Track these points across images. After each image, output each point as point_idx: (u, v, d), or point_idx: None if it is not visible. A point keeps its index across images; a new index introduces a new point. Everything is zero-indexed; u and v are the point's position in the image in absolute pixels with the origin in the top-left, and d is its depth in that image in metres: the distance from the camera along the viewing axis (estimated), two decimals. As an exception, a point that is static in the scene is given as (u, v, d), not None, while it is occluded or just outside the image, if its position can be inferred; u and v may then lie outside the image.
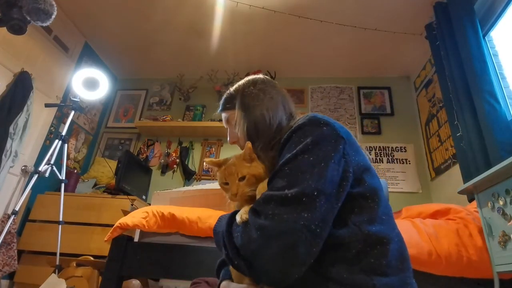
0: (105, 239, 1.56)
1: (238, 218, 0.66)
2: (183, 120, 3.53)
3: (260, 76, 0.93)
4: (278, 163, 0.68)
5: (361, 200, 0.64)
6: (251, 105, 0.83)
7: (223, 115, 0.93)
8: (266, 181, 0.70)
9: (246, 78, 0.92)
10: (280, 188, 0.61)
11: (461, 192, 1.46)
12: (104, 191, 2.93)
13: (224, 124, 0.94)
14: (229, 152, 3.38)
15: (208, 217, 1.55)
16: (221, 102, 0.93)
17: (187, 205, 1.70)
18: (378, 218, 0.64)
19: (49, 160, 2.29)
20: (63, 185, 2.34)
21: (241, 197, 0.71)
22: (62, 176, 2.37)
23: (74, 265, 2.00)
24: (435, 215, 1.56)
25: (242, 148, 0.83)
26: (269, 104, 0.83)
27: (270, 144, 0.77)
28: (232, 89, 0.93)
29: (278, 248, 0.56)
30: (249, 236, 0.60)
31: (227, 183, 0.73)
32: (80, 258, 2.09)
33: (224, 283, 0.74)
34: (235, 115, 0.86)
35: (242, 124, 0.83)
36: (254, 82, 0.89)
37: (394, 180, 3.00)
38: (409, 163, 3.06)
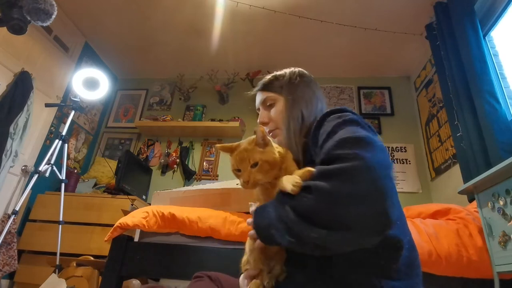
0: (105, 239, 1.55)
1: (289, 186, 0.57)
2: (183, 120, 3.53)
3: (304, 70, 0.96)
4: (317, 141, 0.68)
5: None
6: (298, 96, 0.87)
7: (261, 94, 0.94)
8: (291, 171, 0.66)
9: (292, 69, 0.95)
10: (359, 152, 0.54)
11: (461, 192, 1.46)
12: (104, 191, 2.93)
13: (257, 103, 0.95)
14: (229, 152, 3.38)
15: (208, 217, 1.55)
16: (262, 82, 0.95)
17: (187, 205, 1.70)
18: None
19: (49, 160, 2.29)
20: (63, 185, 2.34)
21: (253, 185, 0.67)
22: (62, 176, 2.37)
23: (74, 265, 2.00)
24: (435, 215, 1.56)
25: (269, 130, 0.89)
26: (312, 99, 0.89)
27: (302, 132, 0.82)
28: (277, 73, 0.95)
29: (371, 184, 0.50)
30: (326, 192, 0.52)
31: (239, 170, 0.69)
32: (80, 258, 2.09)
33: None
34: (274, 97, 0.90)
35: (286, 110, 0.86)
36: (300, 75, 0.93)
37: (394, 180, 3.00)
38: (409, 163, 3.06)
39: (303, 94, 0.88)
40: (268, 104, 0.91)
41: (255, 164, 0.67)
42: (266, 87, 0.93)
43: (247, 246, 0.76)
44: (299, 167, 0.70)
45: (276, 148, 0.73)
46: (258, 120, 0.93)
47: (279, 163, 0.70)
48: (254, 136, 0.72)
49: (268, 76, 0.95)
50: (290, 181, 0.58)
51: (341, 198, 0.50)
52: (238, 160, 0.68)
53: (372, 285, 0.57)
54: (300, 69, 0.96)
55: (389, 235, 0.58)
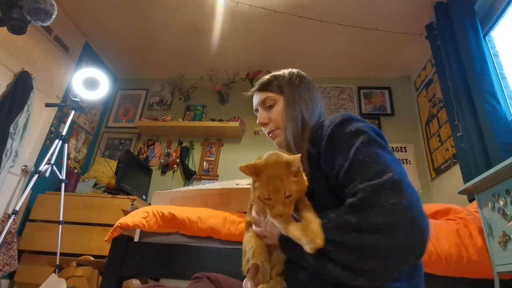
0: (105, 239, 1.55)
1: (310, 247, 0.56)
2: (183, 120, 3.53)
3: (302, 72, 0.95)
4: (331, 158, 0.66)
5: None
6: (298, 97, 0.86)
7: (259, 95, 0.91)
8: (310, 212, 0.63)
9: (290, 70, 0.94)
10: (375, 175, 0.56)
11: (461, 192, 1.46)
12: (104, 191, 2.93)
13: (255, 104, 0.93)
14: (229, 152, 3.39)
15: (208, 217, 1.55)
16: (260, 82, 0.93)
17: (187, 205, 1.70)
18: None
19: (49, 160, 2.29)
20: (63, 185, 2.34)
21: (287, 217, 0.62)
22: (63, 176, 2.37)
23: (74, 265, 2.00)
24: (435, 215, 1.56)
25: (269, 131, 0.88)
26: (312, 100, 0.88)
27: (302, 136, 0.79)
28: (275, 73, 0.93)
29: (413, 235, 0.52)
30: (364, 240, 0.53)
31: (269, 199, 0.62)
32: (80, 258, 2.09)
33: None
34: (274, 98, 0.88)
35: (287, 111, 0.84)
36: (300, 76, 0.92)
37: (394, 180, 3.00)
38: (410, 163, 3.06)
39: (303, 94, 0.87)
40: (267, 104, 0.89)
41: (289, 196, 0.61)
42: (264, 87, 0.91)
43: (248, 244, 0.75)
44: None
45: (305, 176, 0.67)
46: (257, 121, 0.91)
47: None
48: (282, 158, 0.64)
49: (267, 76, 0.93)
50: (309, 238, 0.56)
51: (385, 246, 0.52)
52: (271, 190, 0.61)
53: (375, 286, 0.56)
54: (298, 70, 0.95)
55: None
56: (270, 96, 0.88)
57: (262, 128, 0.93)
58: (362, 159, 0.60)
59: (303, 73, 0.95)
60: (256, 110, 0.94)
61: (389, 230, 0.51)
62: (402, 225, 0.51)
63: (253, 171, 0.64)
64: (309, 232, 0.57)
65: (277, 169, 0.62)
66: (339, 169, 0.63)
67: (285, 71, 0.93)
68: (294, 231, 0.59)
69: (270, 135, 0.90)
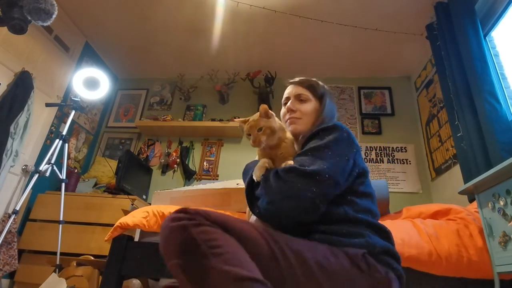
0: (106, 238, 1.56)
1: (254, 175, 0.87)
2: (183, 120, 3.53)
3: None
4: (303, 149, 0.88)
5: (354, 194, 0.86)
6: (327, 107, 1.06)
7: (298, 88, 1.07)
8: (289, 143, 0.99)
9: (323, 85, 1.14)
10: (301, 164, 0.80)
11: (461, 193, 1.46)
12: (104, 191, 2.93)
13: (289, 92, 1.09)
14: (229, 152, 3.39)
15: (208, 217, 1.55)
16: (303, 79, 1.10)
17: (187, 204, 1.70)
18: (363, 214, 0.85)
19: (49, 159, 2.29)
20: (63, 184, 2.34)
21: (258, 144, 0.93)
22: (63, 176, 2.37)
23: (75, 264, 2.00)
24: (435, 215, 1.56)
25: (293, 117, 1.04)
26: (334, 114, 1.09)
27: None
28: (319, 83, 1.12)
29: (287, 206, 0.77)
30: (266, 190, 0.80)
31: (249, 134, 0.95)
32: (80, 257, 2.09)
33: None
34: (309, 97, 1.06)
35: (317, 112, 1.04)
36: (330, 93, 1.13)
37: (394, 180, 3.00)
38: (410, 163, 3.06)
39: (331, 107, 1.08)
40: (302, 98, 1.05)
41: (260, 129, 0.93)
42: (306, 85, 1.07)
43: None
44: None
45: (276, 122, 0.98)
46: (287, 105, 1.06)
47: (279, 133, 0.97)
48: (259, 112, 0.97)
49: (309, 79, 1.11)
50: (257, 171, 0.88)
51: (274, 202, 0.81)
52: (248, 128, 0.95)
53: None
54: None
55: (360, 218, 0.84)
56: (307, 95, 1.06)
57: (284, 115, 1.08)
58: (309, 154, 0.85)
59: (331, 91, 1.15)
60: (287, 98, 1.09)
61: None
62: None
63: (243, 121, 0.99)
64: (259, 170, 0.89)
65: (254, 116, 0.97)
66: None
67: (321, 83, 1.13)
68: (258, 164, 0.91)
69: (289, 120, 1.04)
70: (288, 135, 1.02)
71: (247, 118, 0.99)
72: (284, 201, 0.76)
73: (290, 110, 1.05)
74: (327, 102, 1.07)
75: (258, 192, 0.83)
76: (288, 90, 1.10)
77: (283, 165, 0.87)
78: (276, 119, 1.00)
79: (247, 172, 0.94)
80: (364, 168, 0.92)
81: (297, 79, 1.11)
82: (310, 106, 1.04)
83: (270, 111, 0.96)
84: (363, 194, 0.88)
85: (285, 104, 1.09)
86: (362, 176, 0.90)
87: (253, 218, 0.93)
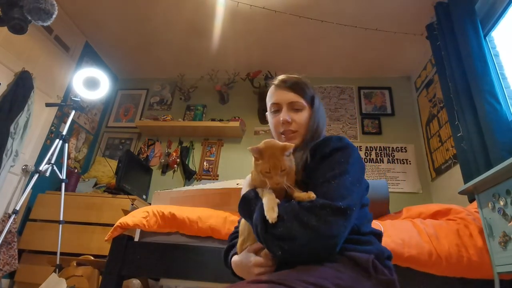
0: (106, 238, 1.56)
1: (269, 216, 0.75)
2: (183, 119, 3.53)
3: None
4: (315, 169, 0.83)
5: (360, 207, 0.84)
6: (319, 111, 0.99)
7: (290, 94, 0.96)
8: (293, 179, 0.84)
9: (310, 85, 1.02)
10: (331, 198, 0.74)
11: (461, 193, 1.46)
12: (104, 191, 2.93)
13: (279, 99, 0.97)
14: (229, 152, 3.39)
15: (208, 217, 1.55)
16: (293, 81, 0.97)
17: (187, 204, 1.70)
18: (366, 224, 0.87)
19: (49, 159, 2.29)
20: (63, 184, 2.34)
21: (280, 186, 0.81)
22: (63, 176, 2.37)
23: (75, 264, 2.00)
24: (435, 215, 1.56)
25: (289, 130, 0.95)
26: (324, 116, 1.02)
27: (306, 144, 0.92)
28: (306, 81, 1.00)
29: (322, 245, 0.71)
30: (293, 230, 0.71)
31: (269, 172, 0.81)
32: (80, 257, 2.09)
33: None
34: (303, 105, 0.96)
35: (310, 122, 0.96)
36: (313, 87, 1.03)
37: (394, 180, 3.00)
38: (410, 163, 3.06)
39: (321, 110, 1.00)
40: (296, 107, 0.96)
41: (283, 170, 0.80)
42: (297, 90, 0.96)
43: (246, 229, 0.88)
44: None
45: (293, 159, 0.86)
46: (281, 117, 0.94)
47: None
48: (277, 141, 0.84)
49: (299, 79, 0.99)
50: (269, 209, 0.76)
51: (303, 242, 0.72)
52: (271, 165, 0.80)
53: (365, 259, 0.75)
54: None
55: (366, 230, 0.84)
56: (301, 103, 0.96)
57: (276, 126, 0.97)
58: (333, 183, 0.78)
59: None
60: (277, 104, 0.97)
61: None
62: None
63: (257, 151, 0.81)
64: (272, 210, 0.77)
65: (275, 151, 0.81)
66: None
67: (307, 80, 1.01)
68: (267, 202, 0.78)
69: (285, 135, 0.96)
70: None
71: (261, 148, 0.82)
72: (320, 240, 0.70)
73: (286, 122, 0.94)
74: (318, 106, 0.99)
75: (280, 232, 0.73)
76: (278, 96, 0.97)
77: (300, 196, 0.78)
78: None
79: (248, 204, 0.83)
80: (366, 182, 0.91)
81: (284, 79, 0.98)
82: (305, 115, 0.96)
83: (287, 143, 0.83)
84: (364, 205, 0.89)
85: (275, 111, 0.98)
86: (365, 190, 0.90)
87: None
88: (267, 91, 1.04)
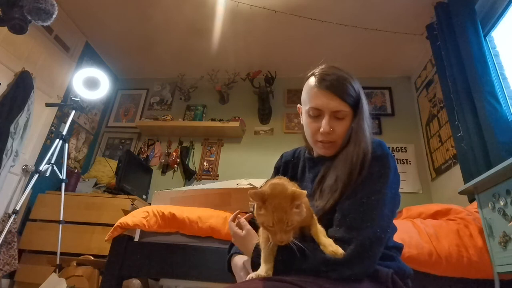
0: (106, 238, 1.56)
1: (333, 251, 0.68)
2: (183, 120, 3.53)
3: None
4: (356, 179, 0.76)
5: None
6: (363, 114, 0.86)
7: (336, 100, 0.82)
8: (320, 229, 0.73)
9: (350, 75, 0.88)
10: (373, 224, 0.71)
11: (461, 193, 1.46)
12: (104, 191, 2.93)
13: (322, 104, 0.83)
14: (230, 152, 3.38)
15: (208, 217, 1.55)
16: (340, 86, 0.83)
17: (187, 204, 1.70)
18: (391, 237, 0.87)
19: (49, 159, 2.29)
20: (63, 184, 2.35)
21: (287, 241, 0.69)
22: (63, 176, 2.37)
23: (75, 264, 2.00)
24: (435, 215, 1.56)
25: (327, 140, 0.84)
26: (368, 118, 0.88)
27: (358, 157, 0.79)
28: (351, 79, 0.87)
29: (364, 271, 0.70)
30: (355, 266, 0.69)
31: (273, 227, 0.68)
32: (80, 257, 2.09)
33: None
34: (347, 113, 0.84)
35: (355, 127, 0.83)
36: (361, 87, 0.90)
37: (394, 180, 3.00)
38: (410, 163, 3.06)
39: (366, 113, 0.86)
40: (339, 116, 0.83)
41: (290, 225, 0.67)
42: (342, 95, 0.83)
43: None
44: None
45: (304, 207, 0.72)
46: (322, 128, 0.82)
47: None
48: (286, 189, 0.68)
49: (344, 79, 0.86)
50: (331, 249, 0.68)
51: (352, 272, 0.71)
52: (275, 220, 0.67)
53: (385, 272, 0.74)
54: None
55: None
56: (345, 111, 0.83)
57: (314, 133, 0.86)
58: (373, 199, 0.75)
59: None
60: (319, 110, 0.84)
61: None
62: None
63: (260, 197, 0.68)
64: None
65: (282, 200, 0.67)
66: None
67: (352, 76, 0.89)
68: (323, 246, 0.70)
69: (323, 144, 0.85)
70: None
71: (265, 193, 0.68)
72: (363, 268, 0.70)
73: (327, 133, 0.83)
74: (362, 110, 0.85)
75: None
76: (321, 100, 0.83)
77: (326, 246, 0.69)
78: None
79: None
80: (399, 194, 0.86)
81: (328, 77, 0.85)
82: (347, 123, 0.84)
83: (297, 191, 0.68)
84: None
85: (315, 116, 0.85)
86: (398, 203, 0.86)
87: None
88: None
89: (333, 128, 0.83)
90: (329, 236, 0.71)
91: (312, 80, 0.88)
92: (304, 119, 0.91)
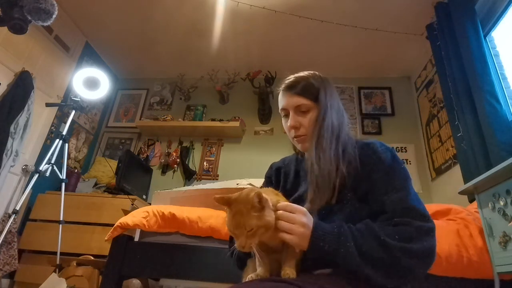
0: (106, 238, 1.56)
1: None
2: (183, 119, 3.53)
3: (326, 78, 0.98)
4: (375, 176, 0.82)
5: None
6: (330, 106, 0.91)
7: (293, 98, 0.91)
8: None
9: (316, 73, 0.97)
10: (419, 214, 0.84)
11: (461, 193, 1.46)
12: (104, 191, 2.93)
13: (285, 105, 0.93)
14: (230, 152, 3.39)
15: (208, 217, 1.55)
16: (294, 81, 0.93)
17: (187, 204, 1.70)
18: None
19: (49, 159, 2.29)
20: (63, 184, 2.35)
21: (249, 249, 0.68)
22: (63, 176, 2.37)
23: (75, 264, 2.00)
24: (435, 215, 1.56)
25: (298, 135, 0.91)
26: (340, 109, 0.94)
27: (331, 144, 0.87)
28: (311, 78, 0.94)
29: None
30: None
31: (233, 232, 0.69)
32: (80, 257, 2.09)
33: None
34: (309, 106, 0.91)
35: (319, 121, 0.89)
36: (328, 81, 0.96)
37: (394, 180, 3.00)
38: (410, 164, 3.06)
39: (333, 103, 0.92)
40: (302, 110, 0.91)
41: (249, 230, 0.66)
42: (299, 92, 0.91)
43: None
44: (333, 190, 0.80)
45: (271, 212, 0.69)
46: (288, 123, 0.91)
47: (274, 225, 0.68)
48: (249, 193, 0.67)
49: (299, 79, 0.94)
50: None
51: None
52: (234, 225, 0.67)
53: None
54: (321, 74, 0.97)
55: None
56: (306, 104, 0.90)
57: (288, 131, 0.94)
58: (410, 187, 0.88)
59: (327, 78, 0.97)
60: (285, 110, 0.94)
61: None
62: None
63: (223, 203, 0.69)
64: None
65: (241, 205, 0.67)
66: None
67: (317, 75, 0.96)
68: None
69: (296, 138, 0.92)
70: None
71: (230, 198, 0.69)
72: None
73: (294, 128, 0.91)
74: (326, 101, 0.91)
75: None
76: (284, 100, 0.94)
77: (286, 271, 0.68)
78: (269, 198, 0.69)
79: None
80: None
81: (288, 82, 0.95)
82: (313, 115, 0.90)
83: (264, 197, 0.67)
84: None
85: (285, 116, 0.95)
86: None
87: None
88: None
89: (300, 122, 0.91)
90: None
91: (280, 90, 0.98)
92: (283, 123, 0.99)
